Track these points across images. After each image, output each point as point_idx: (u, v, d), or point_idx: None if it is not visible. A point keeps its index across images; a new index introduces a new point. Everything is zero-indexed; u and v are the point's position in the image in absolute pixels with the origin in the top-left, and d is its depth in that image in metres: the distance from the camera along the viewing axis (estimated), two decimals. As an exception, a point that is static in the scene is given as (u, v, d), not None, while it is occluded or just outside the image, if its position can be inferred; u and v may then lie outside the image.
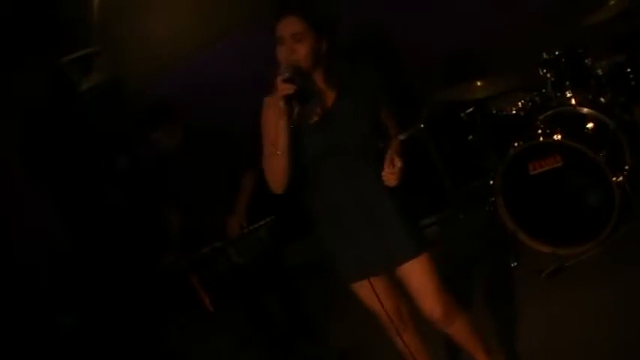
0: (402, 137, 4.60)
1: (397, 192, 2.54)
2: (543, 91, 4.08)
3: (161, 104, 3.86)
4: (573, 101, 3.95)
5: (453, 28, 4.90)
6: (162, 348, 4.80)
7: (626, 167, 3.81)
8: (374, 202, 2.53)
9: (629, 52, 4.03)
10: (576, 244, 3.73)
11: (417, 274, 2.61)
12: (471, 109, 4.24)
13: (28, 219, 4.94)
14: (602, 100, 3.97)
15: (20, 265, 4.69)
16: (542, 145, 3.74)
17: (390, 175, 2.43)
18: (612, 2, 3.94)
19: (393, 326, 2.76)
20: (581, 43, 4.02)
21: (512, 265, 3.93)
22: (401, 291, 2.77)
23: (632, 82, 4.00)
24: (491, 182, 3.95)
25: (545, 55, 4.01)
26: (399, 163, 2.43)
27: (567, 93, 3.98)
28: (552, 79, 4.01)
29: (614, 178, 3.60)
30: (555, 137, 3.71)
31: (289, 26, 2.37)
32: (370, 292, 2.65)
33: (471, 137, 4.34)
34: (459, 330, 2.77)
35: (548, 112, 3.96)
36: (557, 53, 3.99)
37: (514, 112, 4.09)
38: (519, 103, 4.09)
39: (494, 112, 4.16)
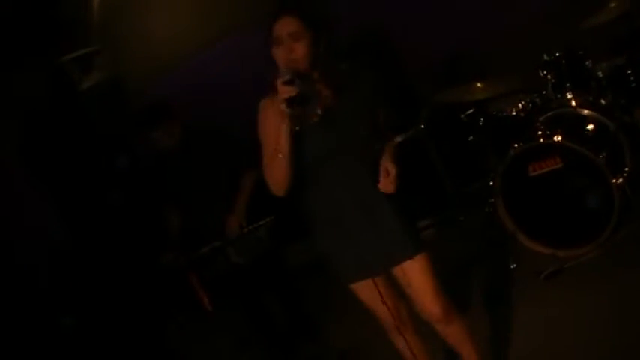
0: (400, 139, 4.68)
1: (396, 193, 2.53)
2: (544, 92, 4.08)
3: (160, 104, 3.87)
4: (573, 103, 3.95)
5: (453, 28, 4.90)
6: (161, 348, 4.80)
7: (626, 169, 3.81)
8: (373, 202, 2.53)
9: (629, 54, 4.03)
10: (576, 246, 3.73)
11: (416, 273, 2.62)
12: (471, 111, 4.24)
13: (28, 219, 4.94)
14: (602, 101, 3.97)
15: (20, 265, 4.69)
16: (542, 147, 3.74)
17: (386, 186, 2.45)
18: (612, 4, 3.94)
19: (393, 326, 2.77)
20: (581, 44, 4.02)
21: (512, 266, 3.93)
22: (399, 292, 2.77)
23: (633, 84, 4.00)
24: (491, 183, 3.95)
25: (545, 57, 4.01)
26: (393, 171, 2.44)
27: (567, 94, 3.98)
28: (553, 81, 4.01)
29: (613, 180, 3.59)
30: (555, 139, 3.71)
31: (287, 26, 2.37)
32: (370, 292, 2.67)
33: (471, 138, 4.35)
34: (456, 331, 2.77)
35: (549, 114, 3.96)
36: (557, 55, 3.99)
37: (514, 113, 4.09)
38: (519, 105, 4.09)
39: (494, 113, 4.16)
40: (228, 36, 4.97)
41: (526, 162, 3.78)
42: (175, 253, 3.83)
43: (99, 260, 4.86)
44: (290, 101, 2.27)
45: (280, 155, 2.38)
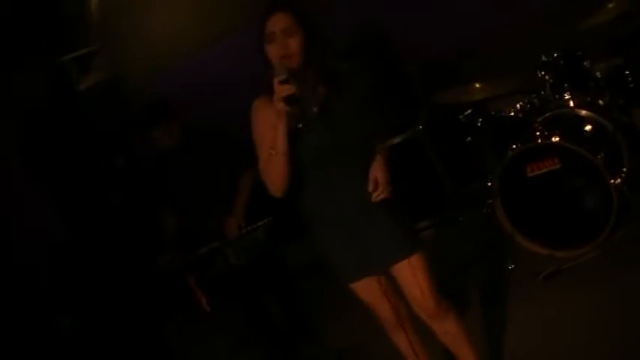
0: (399, 139, 4.69)
1: (393, 193, 2.55)
2: (542, 93, 4.08)
3: (160, 103, 3.87)
4: (572, 103, 3.96)
5: (452, 28, 4.90)
6: (159, 348, 4.81)
7: (624, 170, 3.81)
8: (371, 202, 2.54)
9: (627, 54, 4.04)
10: (574, 247, 3.73)
11: (411, 270, 2.62)
12: (469, 111, 4.24)
13: (28, 218, 4.95)
14: (600, 102, 3.97)
15: (19, 264, 4.69)
16: (540, 147, 3.74)
17: (377, 197, 2.46)
18: (611, 5, 3.94)
19: (393, 323, 2.79)
20: (580, 45, 4.02)
21: (510, 267, 3.93)
22: (398, 292, 2.78)
23: (631, 85, 4.01)
24: (489, 184, 3.94)
25: (543, 58, 4.01)
26: (382, 180, 2.45)
27: (566, 95, 3.98)
28: (551, 82, 4.01)
29: (612, 181, 3.59)
30: (553, 139, 3.71)
31: (280, 21, 2.39)
32: (370, 290, 2.69)
33: (469, 139, 4.34)
34: (452, 328, 2.77)
35: (547, 115, 3.96)
36: (555, 55, 3.99)
37: (512, 114, 4.09)
38: (518, 105, 4.09)
39: (492, 113, 4.16)
40: (229, 36, 4.98)
41: (524, 162, 3.78)
42: (173, 255, 3.83)
43: (97, 261, 4.87)
44: (287, 100, 2.28)
45: (278, 154, 2.38)
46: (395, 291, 2.77)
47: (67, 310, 4.65)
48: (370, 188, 2.46)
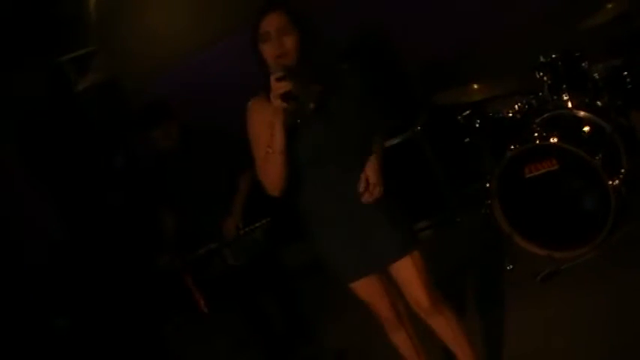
0: (397, 140, 4.69)
1: (391, 191, 2.57)
2: (540, 94, 4.08)
3: (159, 103, 3.87)
4: (570, 104, 3.96)
5: (452, 28, 4.91)
6: (157, 349, 4.81)
7: (622, 171, 3.81)
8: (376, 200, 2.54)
9: (626, 55, 4.04)
10: (572, 248, 3.73)
11: (409, 267, 2.63)
12: (467, 112, 4.24)
13: (27, 218, 4.95)
14: (598, 103, 3.98)
15: (18, 264, 4.69)
16: (538, 148, 3.74)
17: (367, 197, 2.47)
18: (609, 6, 3.94)
19: (393, 322, 2.81)
20: (578, 46, 4.02)
21: (508, 268, 3.93)
22: (397, 291, 2.78)
23: (629, 86, 4.00)
24: (488, 185, 3.95)
25: (542, 59, 4.02)
26: (372, 180, 2.46)
27: (564, 96, 3.99)
28: (549, 82, 4.02)
29: (610, 182, 3.59)
30: (551, 140, 3.71)
31: (275, 21, 2.40)
32: (370, 288, 2.70)
33: (467, 140, 4.34)
34: (448, 325, 2.78)
35: (545, 115, 3.97)
36: (554, 56, 4.00)
37: (510, 114, 4.10)
38: (516, 106, 4.10)
39: (490, 114, 4.16)
40: (228, 36, 4.98)
41: (522, 163, 3.78)
42: (171, 255, 3.83)
43: (96, 261, 4.87)
44: (285, 96, 2.28)
45: (275, 153, 2.38)
46: (394, 290, 2.78)
47: (65, 310, 4.65)
48: (360, 188, 2.47)
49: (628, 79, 4.01)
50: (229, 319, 4.25)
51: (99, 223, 4.99)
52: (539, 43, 4.18)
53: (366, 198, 2.48)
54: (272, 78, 2.29)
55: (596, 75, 4.02)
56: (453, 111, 4.34)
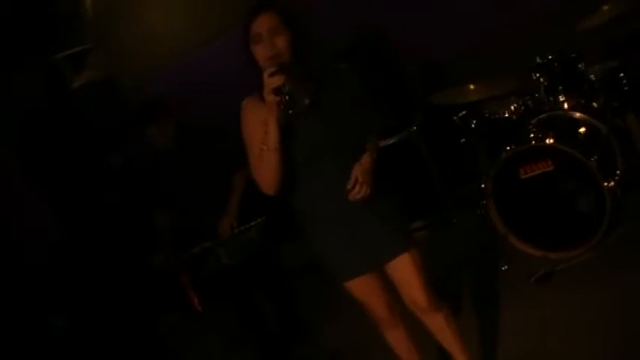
0: (393, 140, 4.69)
1: (387, 190, 2.58)
2: (536, 95, 4.09)
3: (154, 101, 3.87)
4: (566, 106, 3.97)
5: (450, 29, 4.91)
6: (152, 348, 4.80)
7: (618, 172, 3.82)
8: (364, 200, 2.54)
9: (622, 57, 4.05)
10: (567, 249, 3.73)
11: (405, 266, 2.64)
12: (463, 113, 4.24)
13: (25, 218, 4.94)
14: (594, 104, 3.98)
15: (16, 263, 4.68)
16: (533, 149, 3.75)
17: (354, 195, 2.46)
18: (606, 7, 3.94)
19: (387, 321, 2.81)
20: (574, 47, 4.03)
21: (503, 268, 3.93)
22: (391, 289, 2.79)
23: (625, 88, 4.01)
24: (483, 185, 3.95)
25: (538, 60, 4.02)
26: (361, 179, 2.45)
27: (560, 97, 3.99)
28: (545, 84, 4.02)
29: (605, 183, 3.60)
30: (547, 141, 3.72)
31: (266, 22, 2.40)
32: (365, 287, 2.70)
33: (463, 140, 4.35)
34: (442, 322, 2.78)
35: (541, 116, 3.97)
36: (550, 57, 4.00)
37: (506, 115, 4.09)
38: (512, 107, 4.09)
39: (486, 115, 4.16)
40: (224, 34, 4.97)
41: (518, 164, 3.78)
42: (166, 254, 3.82)
43: (91, 260, 4.86)
44: (277, 91, 2.29)
45: (269, 150, 2.38)
46: (389, 290, 2.78)
47: (61, 309, 4.64)
48: (349, 186, 2.46)
49: (624, 81, 4.02)
50: (224, 318, 4.24)
51: (95, 221, 4.98)
52: (535, 44, 4.19)
53: (353, 195, 2.47)
54: (265, 74, 2.30)
55: (592, 76, 4.03)
56: (449, 111, 4.34)
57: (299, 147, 2.46)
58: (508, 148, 3.82)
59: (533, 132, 3.80)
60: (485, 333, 3.42)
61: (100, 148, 4.99)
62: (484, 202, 3.98)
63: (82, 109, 4.94)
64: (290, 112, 2.34)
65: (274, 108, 2.33)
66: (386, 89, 5.06)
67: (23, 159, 4.98)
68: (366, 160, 2.51)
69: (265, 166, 2.43)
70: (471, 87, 4.06)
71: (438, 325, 2.79)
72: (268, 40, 2.39)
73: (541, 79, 4.03)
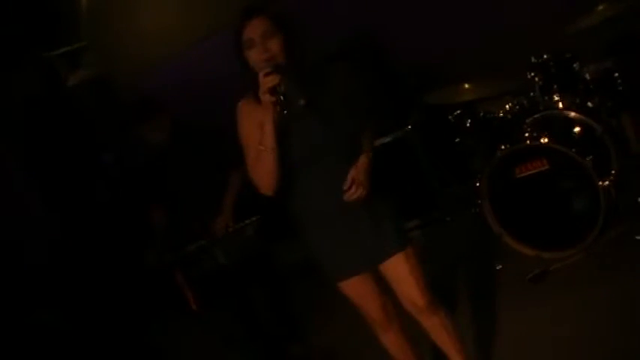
0: (388, 139, 4.69)
1: (382, 190, 2.58)
2: (531, 94, 4.09)
3: (148, 98, 3.86)
4: (561, 105, 3.97)
5: (448, 29, 4.92)
6: (146, 346, 4.79)
7: (613, 172, 3.82)
8: (360, 200, 2.54)
9: (617, 57, 4.05)
10: (562, 248, 3.74)
11: (402, 266, 2.64)
12: (458, 112, 4.24)
13: (22, 217, 4.93)
14: (589, 104, 3.99)
15: (14, 263, 4.67)
16: (528, 149, 3.75)
17: (350, 196, 2.45)
18: (601, 7, 3.95)
19: (382, 322, 2.81)
20: (569, 47, 4.03)
21: (497, 267, 3.94)
22: (385, 290, 2.78)
23: (620, 87, 4.02)
24: (478, 185, 3.95)
25: (533, 59, 4.02)
26: (357, 180, 2.45)
27: (555, 97, 3.99)
28: (540, 83, 4.02)
29: (600, 183, 3.60)
30: (542, 141, 3.72)
31: (257, 27, 2.39)
32: (359, 288, 2.70)
33: (458, 140, 4.35)
34: (439, 324, 2.78)
35: (536, 116, 3.97)
36: (545, 57, 4.00)
37: (501, 115, 4.10)
38: (507, 106, 4.10)
39: (481, 114, 4.16)
40: (219, 32, 4.96)
41: (513, 164, 3.78)
42: (160, 252, 3.81)
43: (86, 258, 4.85)
44: (273, 90, 2.29)
45: (266, 150, 2.38)
46: (382, 290, 2.77)
47: (53, 306, 4.62)
48: (345, 185, 2.46)
49: (619, 81, 4.02)
50: (219, 318, 4.22)
51: (89, 219, 4.97)
52: (531, 43, 4.19)
53: (348, 196, 2.46)
54: (260, 74, 2.30)
55: (587, 76, 4.04)
56: (444, 110, 4.35)
57: (298, 147, 2.46)
58: (503, 147, 3.81)
59: (528, 131, 3.81)
60: (479, 332, 3.43)
61: (95, 146, 4.98)
62: (479, 201, 3.98)
63: (77, 106, 4.93)
64: (285, 112, 2.35)
65: (270, 108, 2.33)
66: (381, 88, 5.06)
67: (19, 156, 4.97)
68: (362, 160, 2.51)
69: (262, 167, 2.43)
70: (466, 86, 4.06)
71: (436, 326, 2.78)
72: (261, 45, 2.38)
73: (536, 79, 4.03)
